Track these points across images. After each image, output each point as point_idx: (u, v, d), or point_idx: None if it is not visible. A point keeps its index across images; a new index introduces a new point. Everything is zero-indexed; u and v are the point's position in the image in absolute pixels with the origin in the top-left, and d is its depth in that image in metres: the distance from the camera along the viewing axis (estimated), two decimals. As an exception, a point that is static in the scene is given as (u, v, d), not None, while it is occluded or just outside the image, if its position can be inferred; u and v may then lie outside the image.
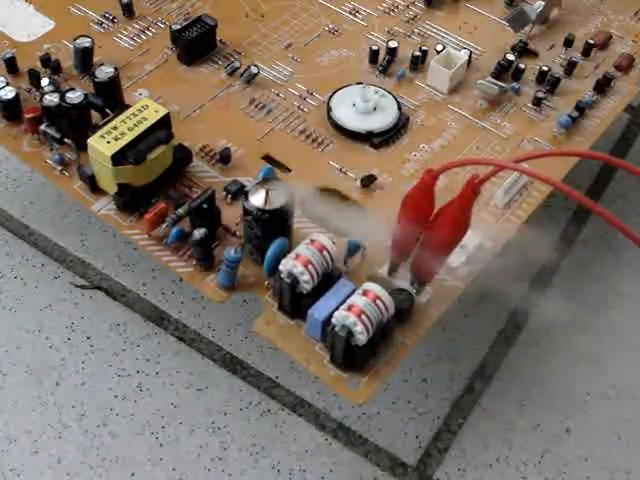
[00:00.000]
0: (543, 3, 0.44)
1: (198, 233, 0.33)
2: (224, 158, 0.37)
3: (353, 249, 0.34)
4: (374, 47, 0.42)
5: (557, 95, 0.41)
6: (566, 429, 0.40)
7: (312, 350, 0.32)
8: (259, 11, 0.45)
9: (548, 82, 0.41)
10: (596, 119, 0.41)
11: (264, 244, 0.32)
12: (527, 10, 0.43)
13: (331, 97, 0.40)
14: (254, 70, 0.41)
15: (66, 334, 0.42)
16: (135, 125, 0.34)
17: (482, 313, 0.44)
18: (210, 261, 0.34)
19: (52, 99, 0.36)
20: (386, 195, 0.37)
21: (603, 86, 0.41)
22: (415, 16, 0.45)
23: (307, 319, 0.32)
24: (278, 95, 0.41)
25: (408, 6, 0.46)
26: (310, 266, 0.31)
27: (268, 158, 0.38)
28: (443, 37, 0.44)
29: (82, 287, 0.44)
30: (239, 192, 0.36)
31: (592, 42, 0.43)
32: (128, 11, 0.44)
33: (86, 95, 0.36)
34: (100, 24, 0.43)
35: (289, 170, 0.38)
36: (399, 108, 0.40)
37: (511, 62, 0.42)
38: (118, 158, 0.34)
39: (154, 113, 0.35)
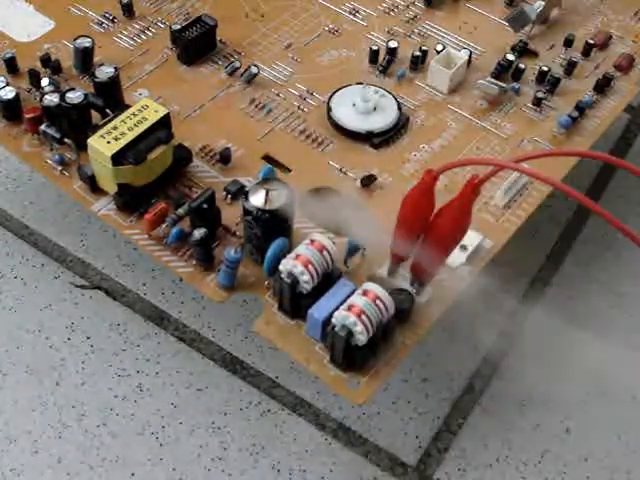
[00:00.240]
0: (543, 3, 0.44)
1: (198, 233, 0.33)
2: (224, 158, 0.37)
3: (353, 249, 0.34)
4: (374, 47, 0.42)
5: (557, 95, 0.41)
6: (566, 429, 0.40)
7: (312, 350, 0.32)
8: (259, 11, 0.45)
9: (548, 82, 0.41)
10: (596, 119, 0.41)
11: (264, 244, 0.32)
12: (527, 10, 0.43)
13: (331, 97, 0.40)
14: (254, 70, 0.41)
15: (66, 334, 0.42)
16: (135, 125, 0.34)
17: (483, 312, 0.44)
18: (210, 261, 0.34)
19: (52, 99, 0.37)
20: (386, 195, 0.37)
21: (603, 86, 0.41)
22: (415, 16, 0.45)
23: (307, 319, 0.32)
24: (278, 95, 0.41)
25: (408, 6, 0.46)
26: (310, 266, 0.31)
27: (268, 158, 0.38)
28: (443, 37, 0.44)
29: (82, 287, 0.44)
30: (239, 192, 0.36)
31: (592, 42, 0.43)
32: (128, 11, 0.44)
33: (86, 95, 0.36)
34: (100, 24, 0.43)
35: (289, 170, 0.38)
36: (399, 108, 0.40)
37: (511, 62, 0.42)
38: (118, 158, 0.34)
39: (154, 113, 0.35)
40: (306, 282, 0.31)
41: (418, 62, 0.42)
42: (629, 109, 0.54)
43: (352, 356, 0.31)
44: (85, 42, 0.40)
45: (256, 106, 0.40)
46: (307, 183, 0.37)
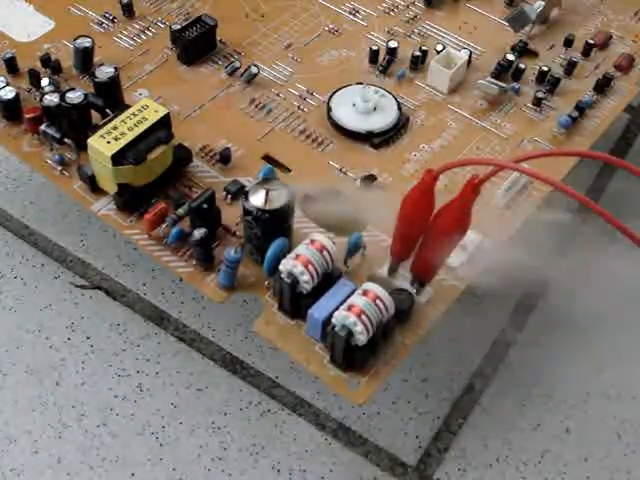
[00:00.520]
0: (543, 3, 0.44)
1: (198, 233, 0.33)
2: (224, 158, 0.37)
3: (353, 249, 0.34)
4: (374, 47, 0.42)
5: (557, 95, 0.41)
6: (566, 429, 0.40)
7: (312, 350, 0.32)
8: (259, 11, 0.45)
9: (548, 82, 0.41)
10: (596, 119, 0.41)
11: (264, 244, 0.32)
12: (527, 10, 0.43)
13: (331, 97, 0.40)
14: (254, 70, 0.41)
15: (66, 334, 0.42)
16: (135, 125, 0.34)
17: (482, 313, 0.44)
18: (210, 261, 0.34)
19: (52, 99, 0.37)
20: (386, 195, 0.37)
21: (603, 86, 0.41)
22: (415, 16, 0.45)
23: (307, 319, 0.32)
24: (278, 95, 0.41)
25: (408, 6, 0.46)
26: (310, 266, 0.31)
27: (268, 158, 0.38)
28: (443, 37, 0.44)
29: (82, 287, 0.44)
30: (239, 192, 0.36)
31: (592, 42, 0.43)
32: (128, 11, 0.44)
33: (86, 95, 0.36)
34: (100, 24, 0.43)
35: (289, 170, 0.38)
36: (399, 108, 0.40)
37: (511, 62, 0.42)
38: (118, 158, 0.34)
39: (154, 113, 0.35)
40: (306, 282, 0.31)
41: (418, 62, 0.42)
42: (629, 109, 0.54)
43: (352, 356, 0.31)
44: (85, 42, 0.40)
45: (256, 106, 0.40)
46: (307, 183, 0.37)
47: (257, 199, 0.32)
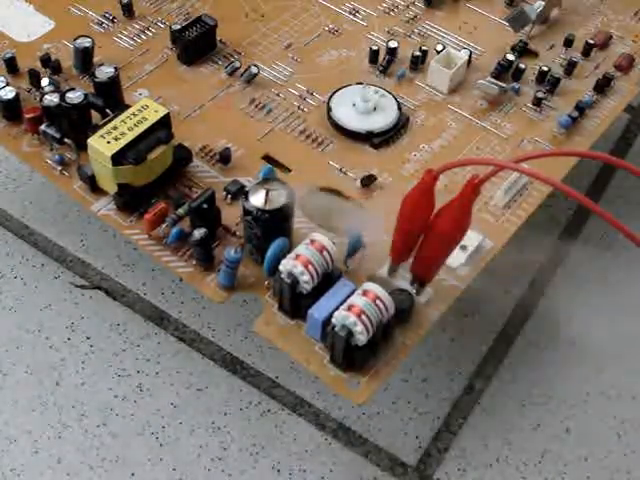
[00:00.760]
0: (543, 3, 0.44)
1: (198, 233, 0.33)
2: (224, 158, 0.37)
3: (353, 249, 0.34)
4: (374, 47, 0.42)
5: (557, 95, 0.41)
6: (566, 429, 0.40)
7: (312, 350, 0.32)
8: (259, 11, 0.45)
9: (548, 82, 0.41)
10: (596, 119, 0.41)
11: (264, 244, 0.32)
12: (527, 10, 0.43)
13: (331, 97, 0.40)
14: (254, 70, 0.41)
15: (66, 334, 0.42)
16: (135, 125, 0.34)
17: (482, 313, 0.44)
18: (210, 261, 0.34)
19: (52, 99, 0.37)
20: (386, 195, 0.37)
21: (603, 86, 0.41)
22: (415, 16, 0.45)
23: (307, 319, 0.32)
24: (278, 95, 0.41)
25: (408, 6, 0.46)
26: (310, 266, 0.31)
27: (268, 158, 0.38)
28: (443, 37, 0.44)
29: (82, 287, 0.44)
30: (239, 192, 0.36)
31: (592, 42, 0.43)
32: (128, 11, 0.44)
33: (86, 95, 0.36)
34: (100, 24, 0.43)
35: (289, 170, 0.38)
36: (399, 108, 0.40)
37: (511, 62, 0.42)
38: (118, 158, 0.34)
39: (154, 113, 0.35)
40: (306, 282, 0.31)
41: (418, 62, 0.42)
42: (629, 109, 0.54)
43: (352, 356, 0.31)
44: (85, 42, 0.40)
45: (256, 106, 0.40)
46: (307, 183, 0.37)
47: (257, 199, 0.32)
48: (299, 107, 0.40)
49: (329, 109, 0.39)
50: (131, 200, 0.35)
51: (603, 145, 0.51)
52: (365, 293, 0.30)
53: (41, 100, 0.37)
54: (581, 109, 0.40)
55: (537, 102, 0.41)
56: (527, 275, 0.46)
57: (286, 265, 0.31)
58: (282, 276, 0.31)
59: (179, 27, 0.41)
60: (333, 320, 0.30)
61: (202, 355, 0.42)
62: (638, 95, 0.43)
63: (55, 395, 0.40)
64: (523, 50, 0.43)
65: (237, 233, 0.35)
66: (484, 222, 0.36)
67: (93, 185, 0.36)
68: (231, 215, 0.35)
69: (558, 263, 0.46)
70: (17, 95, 0.38)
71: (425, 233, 0.30)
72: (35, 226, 0.46)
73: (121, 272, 0.45)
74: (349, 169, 0.38)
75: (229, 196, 0.36)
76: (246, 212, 0.32)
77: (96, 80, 0.37)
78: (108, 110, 0.36)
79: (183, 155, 0.37)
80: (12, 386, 0.40)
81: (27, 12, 0.44)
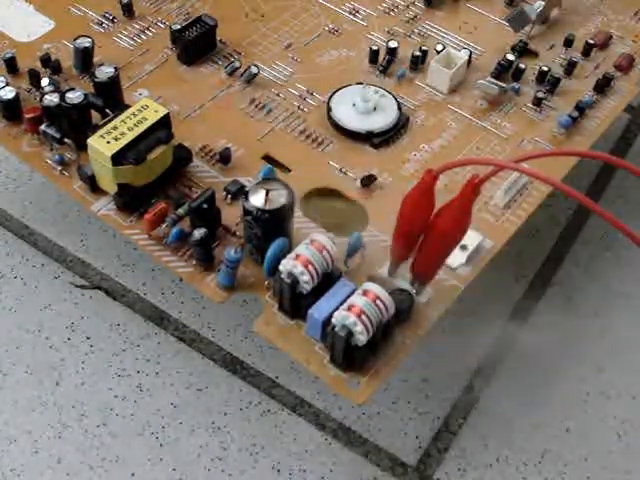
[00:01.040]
0: (543, 3, 0.44)
1: (198, 233, 0.33)
2: (224, 158, 0.37)
3: (353, 249, 0.34)
4: (374, 47, 0.42)
5: (557, 95, 0.41)
6: (566, 429, 0.40)
7: (312, 350, 0.32)
8: (259, 11, 0.45)
9: (548, 82, 0.41)
10: (596, 119, 0.41)
11: (264, 244, 0.32)
12: (527, 10, 0.43)
13: (331, 97, 0.40)
14: (254, 70, 0.41)
15: (66, 334, 0.42)
16: (135, 125, 0.34)
17: (482, 313, 0.44)
18: (210, 261, 0.34)
19: (52, 99, 0.36)
20: (386, 195, 0.37)
21: (603, 86, 0.41)
22: (415, 16, 0.45)
23: (307, 319, 0.32)
24: (278, 95, 0.41)
25: (408, 6, 0.46)
26: (310, 266, 0.31)
27: (268, 158, 0.38)
28: (443, 37, 0.44)
29: (82, 287, 0.44)
30: (239, 192, 0.36)
31: (592, 42, 0.43)
32: (128, 11, 0.44)
33: (86, 95, 0.36)
34: (100, 24, 0.43)
35: (289, 170, 0.38)
36: (399, 108, 0.40)
37: (511, 62, 0.42)
38: (118, 158, 0.34)
39: (154, 113, 0.35)
40: (306, 282, 0.31)
41: (418, 62, 0.42)
42: (629, 109, 0.54)
43: (352, 356, 0.31)
44: (85, 42, 0.40)
45: (256, 106, 0.40)
46: (307, 183, 0.37)
47: (257, 199, 0.32)
48: (299, 107, 0.40)
49: (329, 109, 0.39)
50: (131, 200, 0.35)
51: (603, 145, 0.51)
52: (365, 293, 0.30)
53: (41, 100, 0.37)
54: (581, 109, 0.40)
55: (537, 102, 0.41)
56: (527, 275, 0.46)
57: (286, 265, 0.31)
58: (282, 276, 0.31)
59: (179, 27, 0.41)
60: (333, 320, 0.30)
61: (202, 355, 0.42)
62: (638, 95, 0.43)
63: (55, 395, 0.40)
64: (523, 50, 0.43)
65: (237, 233, 0.35)
66: (484, 222, 0.36)
67: (93, 185, 0.36)
68: (231, 215, 0.35)
69: (558, 263, 0.46)
70: (17, 95, 0.38)
71: (425, 233, 0.30)
72: (35, 226, 0.46)
73: (121, 272, 0.45)
74: (349, 169, 0.38)
75: (229, 196, 0.36)
76: (246, 212, 0.32)
77: (96, 80, 0.37)
78: (108, 110, 0.36)
79: (183, 155, 0.37)
80: (12, 386, 0.40)
81: (27, 12, 0.44)
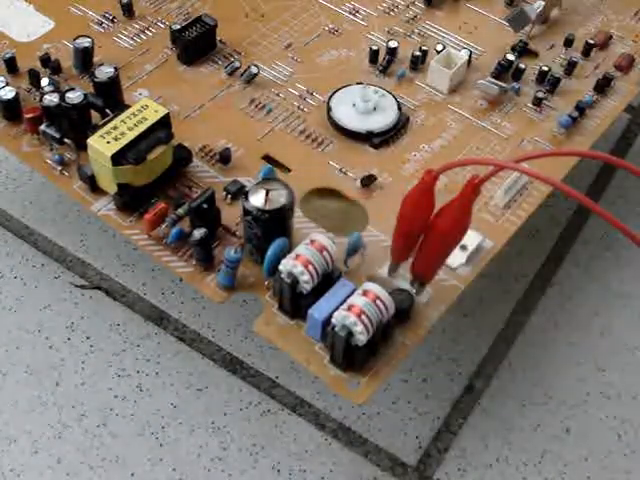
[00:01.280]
0: (543, 3, 0.44)
1: (198, 233, 0.33)
2: (224, 158, 0.37)
3: (353, 249, 0.34)
4: (374, 47, 0.42)
5: (557, 95, 0.41)
6: (566, 429, 0.40)
7: (312, 350, 0.32)
8: (259, 11, 0.45)
9: (548, 82, 0.41)
10: (596, 119, 0.41)
11: (264, 244, 0.32)
12: (527, 10, 0.43)
13: (331, 97, 0.40)
14: (254, 70, 0.41)
15: (66, 334, 0.42)
16: (135, 125, 0.34)
17: (482, 313, 0.44)
18: (210, 261, 0.34)
19: (52, 99, 0.36)
20: (386, 195, 0.37)
21: (603, 86, 0.41)
22: (415, 16, 0.45)
23: (307, 319, 0.32)
24: (278, 95, 0.41)
25: (408, 6, 0.46)
26: (310, 266, 0.31)
27: (268, 158, 0.38)
28: (443, 37, 0.44)
29: (82, 287, 0.44)
30: (239, 192, 0.36)
31: (592, 42, 0.43)
32: (128, 11, 0.44)
33: (86, 95, 0.36)
34: (100, 24, 0.43)
35: (289, 170, 0.38)
36: (399, 108, 0.40)
37: (511, 62, 0.42)
38: (118, 158, 0.34)
39: (154, 113, 0.35)
40: (306, 282, 0.31)
41: (418, 62, 0.42)
42: (629, 109, 0.54)
43: (352, 356, 0.31)
44: (85, 42, 0.40)
45: (256, 106, 0.40)
46: (307, 183, 0.37)
47: (257, 199, 0.32)
48: (299, 107, 0.40)
49: (329, 109, 0.39)
50: (131, 200, 0.35)
51: (603, 145, 0.51)
52: (365, 293, 0.30)
53: (41, 100, 0.37)
54: (581, 109, 0.40)
55: (537, 102, 0.41)
56: (527, 275, 0.46)
57: (286, 265, 0.31)
58: (282, 276, 0.31)
59: (179, 27, 0.41)
60: (333, 320, 0.30)
61: (202, 355, 0.42)
62: (638, 95, 0.43)
63: (55, 395, 0.40)
64: (523, 50, 0.43)
65: (237, 233, 0.35)
66: (484, 222, 0.36)
67: (93, 185, 0.36)
68: (231, 215, 0.35)
69: (558, 263, 0.46)
70: (17, 95, 0.38)
71: (425, 233, 0.30)
72: (35, 226, 0.46)
73: (121, 272, 0.45)
74: (349, 169, 0.38)
75: (229, 196, 0.36)
76: (246, 212, 0.32)
77: (96, 80, 0.37)
78: (108, 110, 0.36)
79: (183, 155, 0.37)
80: (12, 386, 0.40)
81: (27, 12, 0.44)
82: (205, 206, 0.34)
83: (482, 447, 0.39)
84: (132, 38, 0.43)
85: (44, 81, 0.39)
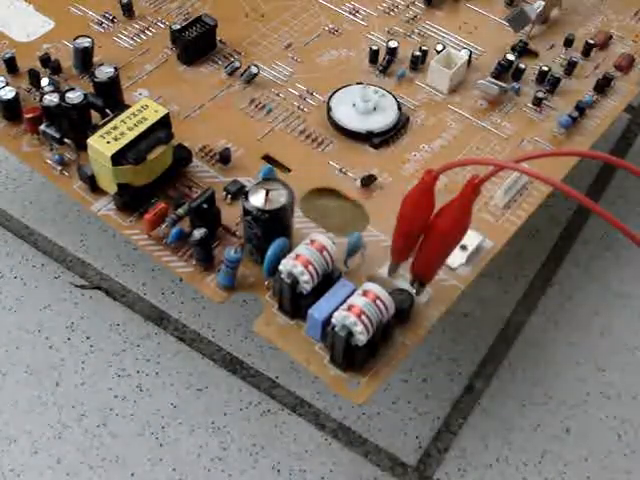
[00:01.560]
0: (543, 3, 0.44)
1: (198, 233, 0.33)
2: (224, 158, 0.37)
3: (353, 249, 0.34)
4: (374, 47, 0.42)
5: (557, 95, 0.41)
6: (566, 429, 0.40)
7: (312, 350, 0.32)
8: (259, 11, 0.45)
9: (548, 82, 0.41)
10: (596, 119, 0.41)
11: (264, 244, 0.32)
12: (527, 10, 0.43)
13: (331, 97, 0.40)
14: (254, 70, 0.41)
15: (66, 334, 0.42)
16: (135, 125, 0.34)
17: (482, 313, 0.44)
18: (210, 261, 0.34)
19: (52, 99, 0.36)
20: (386, 195, 0.37)
21: (603, 86, 0.41)
22: (415, 16, 0.45)
23: (307, 319, 0.32)
24: (278, 95, 0.41)
25: (408, 6, 0.46)
26: (310, 266, 0.31)
27: (268, 158, 0.38)
28: (443, 37, 0.44)
29: (82, 287, 0.44)
30: (239, 192, 0.36)
31: (592, 42, 0.43)
32: (128, 11, 0.44)
33: (86, 95, 0.36)
34: (100, 24, 0.43)
35: (289, 170, 0.38)
36: (399, 108, 0.40)
37: (511, 62, 0.42)
38: (118, 158, 0.34)
39: (154, 113, 0.35)
40: (306, 282, 0.31)
41: (418, 62, 0.42)
42: (629, 109, 0.54)
43: (352, 356, 0.31)
44: (85, 42, 0.40)
45: (256, 106, 0.40)
46: (307, 183, 0.37)
47: (257, 199, 0.32)
48: (299, 107, 0.40)
49: (329, 109, 0.39)
50: (131, 200, 0.35)
51: (603, 145, 0.51)
52: (365, 293, 0.30)
53: (41, 100, 0.37)
54: (581, 109, 0.40)
55: (537, 102, 0.41)
56: (527, 275, 0.46)
57: (286, 265, 0.31)
58: (282, 276, 0.31)
59: (179, 27, 0.41)
60: (333, 320, 0.30)
61: (202, 355, 0.42)
62: (638, 95, 0.43)
63: (55, 395, 0.40)
64: (523, 50, 0.43)
65: (237, 233, 0.35)
66: (484, 222, 0.36)
67: (93, 185, 0.36)
68: (231, 215, 0.35)
69: (558, 263, 0.46)
70: (17, 95, 0.38)
71: (425, 233, 0.30)
72: (35, 226, 0.46)
73: (121, 272, 0.45)
74: (349, 169, 0.38)
75: (229, 196, 0.36)
76: (246, 212, 0.32)
77: (96, 80, 0.37)
78: (108, 110, 0.36)
79: (183, 155, 0.37)
80: (12, 386, 0.40)
81: (27, 12, 0.44)
82: (205, 206, 0.34)
83: (482, 447, 0.39)
84: (132, 38, 0.43)
85: (44, 81, 0.39)
